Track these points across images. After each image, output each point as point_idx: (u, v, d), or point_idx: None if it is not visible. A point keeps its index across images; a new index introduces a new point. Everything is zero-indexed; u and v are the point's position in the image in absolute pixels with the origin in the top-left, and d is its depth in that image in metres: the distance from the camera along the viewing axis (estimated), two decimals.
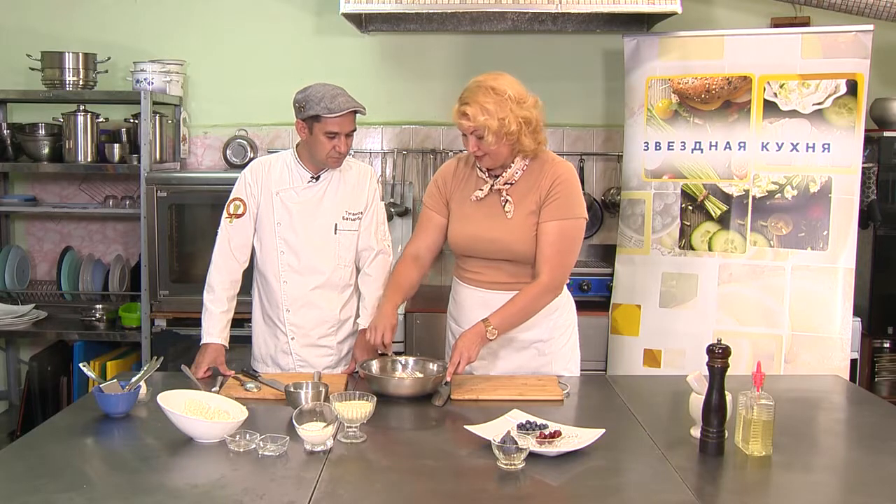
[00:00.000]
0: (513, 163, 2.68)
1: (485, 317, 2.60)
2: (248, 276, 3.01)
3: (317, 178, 2.90)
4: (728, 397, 2.10)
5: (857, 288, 3.65)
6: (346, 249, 2.93)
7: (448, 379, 2.54)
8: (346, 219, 2.91)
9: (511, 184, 2.70)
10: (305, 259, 2.88)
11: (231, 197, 2.93)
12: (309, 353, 2.93)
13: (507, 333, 2.69)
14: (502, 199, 2.69)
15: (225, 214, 2.92)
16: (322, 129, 2.76)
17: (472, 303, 2.79)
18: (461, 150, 4.42)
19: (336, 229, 2.90)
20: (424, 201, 2.89)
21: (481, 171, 2.74)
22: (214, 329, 2.84)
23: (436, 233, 2.84)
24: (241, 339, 3.90)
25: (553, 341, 2.80)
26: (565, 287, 2.81)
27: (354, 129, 2.82)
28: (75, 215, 4.49)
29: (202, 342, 2.84)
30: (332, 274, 2.91)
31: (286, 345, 2.93)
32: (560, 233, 2.65)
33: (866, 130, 3.72)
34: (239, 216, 2.90)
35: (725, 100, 3.76)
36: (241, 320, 3.86)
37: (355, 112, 2.77)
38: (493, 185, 2.71)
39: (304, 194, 2.90)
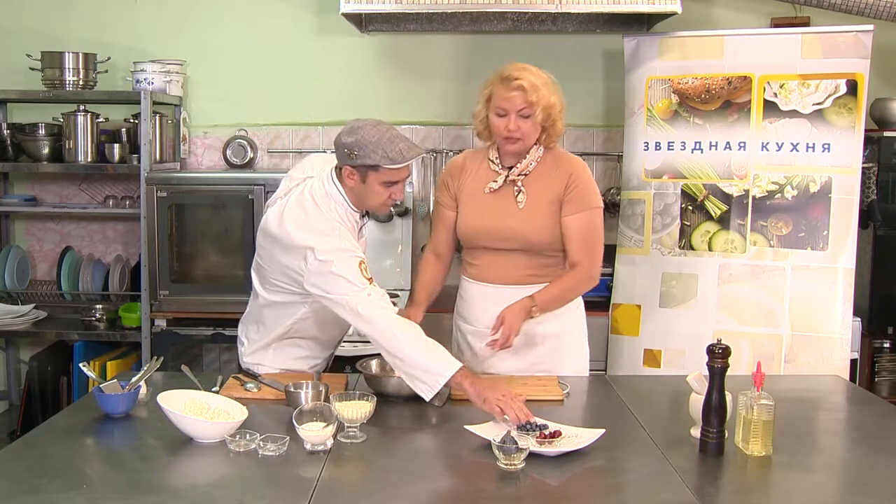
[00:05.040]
0: (528, 153, 2.73)
1: (529, 296, 2.65)
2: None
3: (367, 215, 2.72)
4: (728, 397, 2.10)
5: (857, 288, 3.65)
6: None
7: (496, 350, 2.59)
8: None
9: (525, 175, 2.74)
10: None
11: (355, 259, 2.47)
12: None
13: (522, 327, 2.70)
14: (515, 189, 2.73)
15: (363, 282, 2.43)
16: (379, 178, 2.49)
17: (482, 299, 2.79)
18: (461, 150, 4.42)
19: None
20: (436, 198, 2.93)
21: (493, 162, 2.77)
22: (443, 352, 2.43)
23: (450, 228, 2.86)
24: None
25: (566, 336, 2.82)
26: None
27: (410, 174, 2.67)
28: (75, 215, 4.49)
29: (454, 371, 2.36)
30: None
31: (330, 355, 2.90)
32: (587, 224, 2.74)
33: (866, 130, 3.72)
34: (371, 279, 2.48)
35: (725, 100, 3.76)
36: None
37: None
38: (507, 177, 2.74)
39: (363, 239, 2.71)
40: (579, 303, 2.88)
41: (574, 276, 2.73)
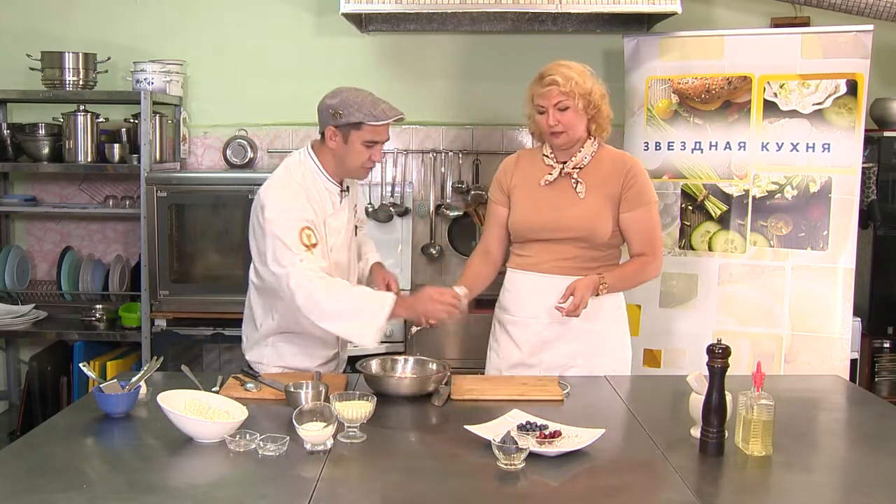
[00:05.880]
0: (582, 147, 2.80)
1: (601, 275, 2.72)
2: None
3: (347, 190, 2.77)
4: (728, 397, 2.10)
5: (857, 288, 3.65)
6: (357, 244, 2.93)
7: (564, 314, 2.65)
8: (357, 216, 2.91)
9: (580, 168, 2.80)
10: (351, 274, 2.81)
11: (298, 225, 2.54)
12: (344, 352, 2.95)
13: (563, 321, 2.76)
14: (573, 180, 2.79)
15: (301, 247, 2.51)
16: (361, 137, 2.58)
17: (527, 289, 2.83)
18: (461, 150, 4.44)
19: (356, 231, 2.89)
20: (490, 196, 3.00)
21: (548, 157, 2.84)
22: (373, 292, 2.60)
23: (502, 225, 2.92)
24: (241, 339, 3.90)
25: (608, 333, 2.84)
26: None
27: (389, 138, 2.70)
28: (75, 215, 4.49)
29: (391, 304, 2.52)
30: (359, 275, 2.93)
31: (336, 353, 2.89)
32: (647, 217, 2.80)
33: (866, 130, 3.72)
34: (315, 245, 2.55)
35: (725, 100, 3.76)
36: (241, 320, 3.87)
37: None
38: (562, 169, 2.80)
39: (342, 210, 2.75)
40: (621, 303, 2.91)
41: (641, 262, 2.81)
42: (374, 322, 2.49)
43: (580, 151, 2.81)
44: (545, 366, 2.82)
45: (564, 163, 2.81)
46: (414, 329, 2.77)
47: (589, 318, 2.77)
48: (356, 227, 2.90)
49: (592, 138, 2.82)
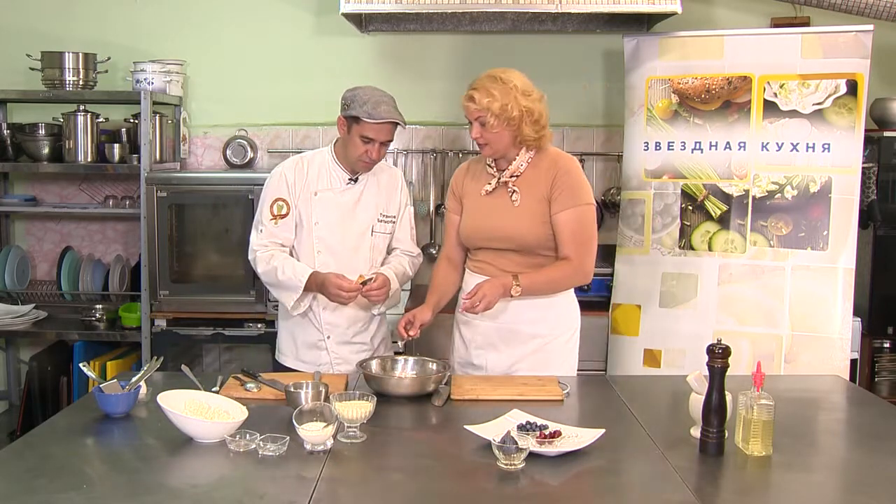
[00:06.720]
0: (517, 155, 2.78)
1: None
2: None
3: (355, 180, 2.95)
4: (728, 397, 2.10)
5: (857, 288, 3.65)
6: (379, 252, 3.01)
7: (461, 310, 2.70)
8: (381, 221, 2.99)
9: (517, 176, 2.79)
10: (342, 260, 2.90)
11: (272, 197, 2.93)
12: (344, 349, 2.98)
13: (508, 325, 2.78)
14: (509, 190, 2.79)
15: (268, 216, 2.91)
16: (359, 131, 2.80)
17: None
18: (461, 150, 4.44)
19: (372, 231, 2.96)
20: (446, 205, 3.03)
21: (490, 167, 2.85)
22: (296, 268, 2.86)
23: (458, 231, 2.95)
24: (241, 339, 3.91)
25: (554, 339, 2.83)
26: (572, 291, 2.88)
27: (391, 140, 2.86)
28: (75, 215, 4.49)
29: (308, 277, 2.82)
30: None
31: (321, 342, 2.97)
32: (573, 220, 2.75)
33: (866, 130, 3.72)
34: (283, 216, 2.90)
35: (725, 100, 3.76)
36: (241, 320, 3.88)
37: (395, 123, 2.80)
38: (499, 178, 2.81)
39: (344, 195, 2.94)
40: (574, 307, 2.90)
41: (563, 267, 2.75)
42: (292, 294, 2.84)
43: (515, 160, 2.79)
44: (489, 367, 2.85)
45: (504, 170, 2.82)
46: (400, 343, 2.87)
47: (535, 324, 2.80)
48: (374, 231, 2.97)
49: (526, 148, 2.79)
